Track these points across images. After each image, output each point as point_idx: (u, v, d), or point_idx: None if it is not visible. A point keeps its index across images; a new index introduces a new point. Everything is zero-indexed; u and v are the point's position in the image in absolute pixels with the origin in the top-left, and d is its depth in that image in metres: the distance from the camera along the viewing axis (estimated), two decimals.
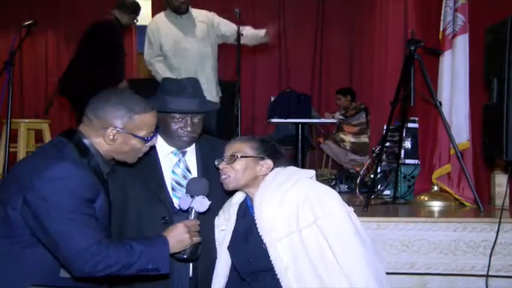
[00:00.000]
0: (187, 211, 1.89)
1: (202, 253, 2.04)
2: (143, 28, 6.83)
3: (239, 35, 4.09)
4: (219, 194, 2.10)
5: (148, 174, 2.07)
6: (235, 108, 4.27)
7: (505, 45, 2.47)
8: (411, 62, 3.11)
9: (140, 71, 7.05)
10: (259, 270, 1.91)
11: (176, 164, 2.14)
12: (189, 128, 2.09)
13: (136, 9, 4.70)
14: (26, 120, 5.01)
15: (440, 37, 3.32)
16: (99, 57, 4.23)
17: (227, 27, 4.30)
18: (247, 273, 1.95)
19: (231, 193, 2.09)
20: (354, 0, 6.96)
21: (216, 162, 2.00)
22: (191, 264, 2.06)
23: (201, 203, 1.86)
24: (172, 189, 2.10)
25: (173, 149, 2.15)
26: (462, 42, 3.20)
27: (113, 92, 1.82)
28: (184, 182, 2.08)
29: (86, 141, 1.74)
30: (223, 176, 1.97)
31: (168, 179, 2.11)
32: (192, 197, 1.88)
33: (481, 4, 3.38)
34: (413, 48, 3.11)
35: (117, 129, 1.73)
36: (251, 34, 4.29)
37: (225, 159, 1.97)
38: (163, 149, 2.14)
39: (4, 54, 3.87)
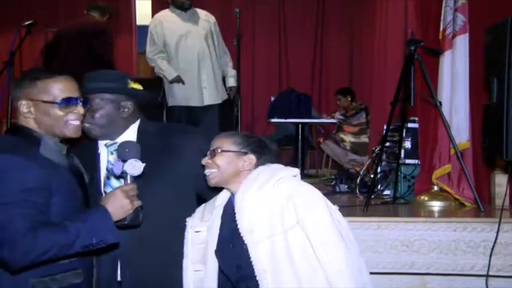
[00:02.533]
0: (122, 177, 1.83)
1: (143, 252, 1.98)
2: (143, 28, 6.86)
3: (239, 35, 4.09)
4: (167, 187, 2.03)
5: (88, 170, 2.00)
6: (235, 108, 4.28)
7: (505, 45, 2.47)
8: (411, 62, 3.11)
9: (140, 70, 7.04)
10: (248, 277, 1.86)
11: (108, 156, 2.07)
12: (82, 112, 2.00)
13: (109, 11, 4.72)
14: None
15: (440, 37, 3.32)
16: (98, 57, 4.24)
17: (220, 40, 4.45)
18: (236, 278, 1.91)
19: (184, 182, 2.06)
20: (354, 0, 6.95)
21: (201, 160, 1.97)
22: (119, 266, 2.00)
23: (134, 166, 1.80)
24: (104, 183, 2.05)
25: (106, 141, 2.08)
26: (462, 42, 3.19)
27: (22, 73, 1.82)
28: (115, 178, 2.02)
29: (31, 131, 1.74)
30: (205, 171, 1.94)
31: (102, 174, 2.07)
32: (124, 161, 1.81)
33: (481, 4, 3.38)
34: (413, 48, 3.11)
35: (27, 99, 1.73)
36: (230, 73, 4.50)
37: (208, 154, 1.95)
38: (101, 143, 2.10)
39: (4, 54, 3.86)
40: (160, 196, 2.02)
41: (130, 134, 2.09)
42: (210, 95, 4.27)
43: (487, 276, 2.61)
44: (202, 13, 4.41)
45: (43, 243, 1.58)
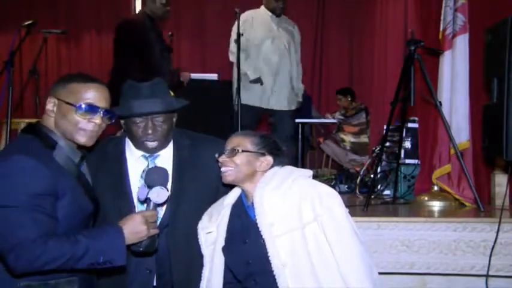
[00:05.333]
0: (146, 202, 1.83)
1: (177, 264, 2.01)
2: None
3: (239, 35, 4.08)
4: (199, 200, 2.06)
5: (112, 181, 2.02)
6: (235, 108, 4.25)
7: (505, 45, 2.47)
8: (411, 62, 3.11)
9: None
10: (257, 272, 1.89)
11: (145, 169, 2.04)
12: (149, 131, 1.99)
13: None
14: (26, 120, 5.00)
15: (440, 37, 3.32)
16: (126, 56, 4.00)
17: (298, 51, 4.47)
18: (244, 275, 1.94)
19: (212, 195, 2.09)
20: (354, 0, 6.95)
21: (216, 155, 1.98)
22: (155, 273, 2.02)
23: (159, 194, 1.80)
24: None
25: (141, 152, 2.07)
26: (462, 42, 3.20)
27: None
28: None
29: (50, 133, 1.73)
30: (222, 169, 1.96)
31: (136, 185, 2.02)
32: (149, 187, 1.81)
33: (481, 4, 3.38)
34: (413, 48, 3.11)
35: (55, 98, 1.73)
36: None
37: (226, 153, 1.96)
38: (134, 153, 2.07)
39: (4, 54, 3.87)
40: (193, 210, 2.05)
41: (169, 146, 2.11)
42: (278, 101, 4.26)
43: (487, 276, 2.61)
44: (289, 22, 4.49)
45: (51, 253, 1.57)
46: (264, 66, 4.23)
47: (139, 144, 2.04)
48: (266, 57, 4.23)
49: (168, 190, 1.85)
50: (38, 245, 1.56)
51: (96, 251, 1.63)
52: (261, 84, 4.19)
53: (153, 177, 1.85)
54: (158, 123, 2.01)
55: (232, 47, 4.24)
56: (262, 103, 4.25)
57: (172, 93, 2.19)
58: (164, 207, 2.04)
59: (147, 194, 1.80)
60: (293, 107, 4.39)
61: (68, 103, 1.71)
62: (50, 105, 1.74)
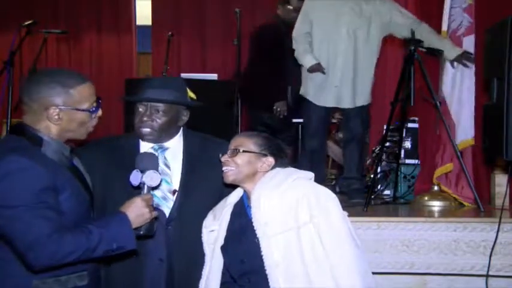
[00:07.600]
0: (139, 187, 1.85)
1: (180, 255, 2.03)
2: (143, 28, 6.86)
3: (239, 35, 4.07)
4: (206, 196, 2.09)
5: (125, 173, 2.01)
6: (235, 108, 4.25)
7: (505, 45, 2.47)
8: (411, 62, 3.11)
9: (140, 71, 7.04)
10: (251, 271, 1.90)
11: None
12: (144, 118, 2.03)
13: None
14: None
15: None
16: (261, 60, 4.26)
17: (403, 18, 3.48)
18: (239, 273, 1.95)
19: (217, 194, 2.11)
20: None
21: (220, 155, 2.00)
22: (165, 266, 2.04)
23: (152, 177, 1.82)
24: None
25: (152, 144, 2.10)
26: (468, 43, 3.20)
27: (42, 72, 1.82)
28: (163, 179, 2.04)
29: (34, 131, 1.72)
30: (224, 169, 1.98)
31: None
32: (142, 172, 1.84)
33: (486, 5, 3.38)
34: (413, 48, 3.11)
35: (59, 107, 1.71)
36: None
37: (228, 153, 1.98)
38: (144, 145, 2.11)
39: (4, 54, 3.87)
40: (200, 204, 2.08)
41: (178, 140, 2.14)
42: (342, 97, 3.48)
43: (487, 276, 2.62)
44: None
45: (68, 246, 1.60)
46: (324, 54, 3.46)
47: (136, 131, 2.07)
48: (326, 44, 3.46)
49: (160, 174, 1.87)
50: (55, 240, 1.58)
51: (108, 238, 1.66)
52: (323, 72, 3.42)
53: (144, 161, 1.87)
54: (156, 113, 2.04)
55: (294, 30, 3.58)
56: (328, 101, 3.52)
57: (193, 95, 2.20)
58: (174, 197, 2.06)
59: (141, 178, 1.83)
60: (361, 103, 3.52)
61: (81, 110, 1.73)
62: (55, 115, 1.71)
